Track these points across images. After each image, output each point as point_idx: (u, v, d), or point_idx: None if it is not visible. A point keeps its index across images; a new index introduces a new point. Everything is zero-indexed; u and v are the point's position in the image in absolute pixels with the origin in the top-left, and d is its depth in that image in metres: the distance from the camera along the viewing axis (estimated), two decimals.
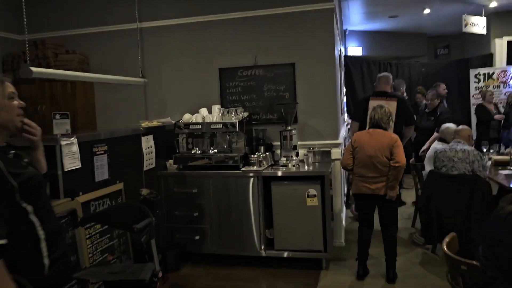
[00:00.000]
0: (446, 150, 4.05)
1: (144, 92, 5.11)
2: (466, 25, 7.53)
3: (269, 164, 4.30)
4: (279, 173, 4.07)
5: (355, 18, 8.64)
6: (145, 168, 4.02)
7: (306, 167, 4.18)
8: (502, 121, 7.02)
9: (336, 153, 4.50)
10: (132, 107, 5.12)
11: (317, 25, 4.50)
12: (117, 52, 5.13)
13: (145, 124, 4.25)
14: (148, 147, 4.10)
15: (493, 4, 7.75)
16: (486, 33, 8.45)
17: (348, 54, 9.23)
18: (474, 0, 7.51)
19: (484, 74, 8.16)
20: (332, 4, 4.45)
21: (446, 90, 6.75)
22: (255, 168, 4.13)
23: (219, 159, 4.22)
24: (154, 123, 4.40)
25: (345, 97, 7.77)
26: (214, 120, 4.33)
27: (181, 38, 4.95)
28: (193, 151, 4.35)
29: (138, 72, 4.94)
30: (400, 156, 3.58)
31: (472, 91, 8.29)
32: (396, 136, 3.70)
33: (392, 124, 4.14)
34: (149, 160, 4.11)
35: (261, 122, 4.65)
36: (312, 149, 4.39)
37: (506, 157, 4.61)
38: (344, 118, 6.73)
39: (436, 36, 11.06)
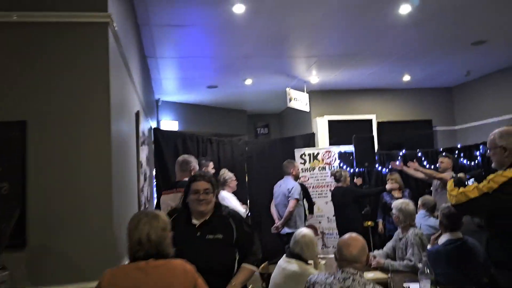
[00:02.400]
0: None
1: None
2: (290, 100, 6.78)
3: None
4: None
5: (169, 86, 7.18)
6: None
7: None
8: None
9: None
10: None
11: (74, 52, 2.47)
12: None
13: None
14: None
15: (315, 80, 7.28)
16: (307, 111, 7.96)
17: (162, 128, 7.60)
18: (296, 74, 6.88)
19: (309, 155, 7.45)
20: (106, 17, 2.51)
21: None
22: None
23: None
24: None
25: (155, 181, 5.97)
26: None
27: None
28: None
29: None
30: None
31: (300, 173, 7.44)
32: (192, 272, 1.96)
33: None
34: None
35: None
36: None
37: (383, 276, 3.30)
38: None
39: (256, 114, 10.48)
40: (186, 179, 3.49)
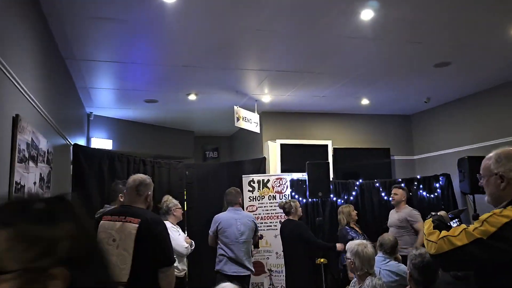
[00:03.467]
0: None
1: None
2: (238, 119, 6.03)
3: None
4: None
5: (102, 98, 6.25)
6: None
7: None
8: None
9: None
10: None
11: None
12: None
13: None
14: None
15: (267, 99, 6.59)
16: (259, 134, 7.24)
17: (91, 146, 6.61)
18: (246, 91, 6.17)
19: (258, 182, 6.68)
20: None
21: None
22: None
23: None
24: None
25: None
26: None
27: None
28: None
29: None
30: None
31: (246, 201, 6.64)
32: None
33: None
34: None
35: None
36: None
37: None
38: None
39: (204, 136, 9.65)
40: (139, 206, 2.91)
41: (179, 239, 4.40)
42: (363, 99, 6.91)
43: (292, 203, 5.22)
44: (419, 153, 8.05)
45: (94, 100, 6.31)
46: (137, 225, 2.77)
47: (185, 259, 4.53)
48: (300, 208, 5.32)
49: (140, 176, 3.05)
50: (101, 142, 7.05)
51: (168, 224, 4.23)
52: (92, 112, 7.00)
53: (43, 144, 3.38)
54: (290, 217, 5.19)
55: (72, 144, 5.14)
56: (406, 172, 7.76)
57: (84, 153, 5.22)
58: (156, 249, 2.74)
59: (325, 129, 7.71)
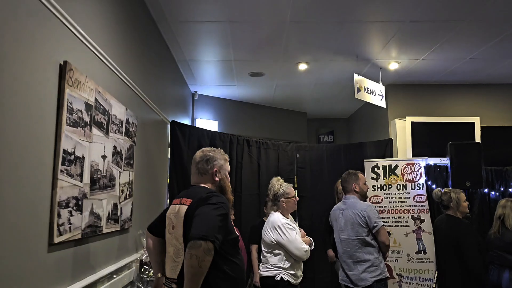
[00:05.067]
0: None
1: None
2: (359, 90, 4.93)
3: None
4: None
5: (204, 71, 5.66)
6: None
7: None
8: None
9: None
10: None
11: None
12: None
13: None
14: None
15: (394, 66, 5.35)
16: (384, 110, 6.05)
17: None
18: (368, 55, 5.03)
19: (384, 168, 5.50)
20: None
21: None
22: None
23: None
24: None
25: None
26: None
27: None
28: None
29: None
30: None
31: (369, 191, 5.51)
32: None
33: None
34: None
35: None
36: None
37: None
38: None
39: (318, 118, 8.66)
40: (204, 185, 2.28)
41: (297, 240, 3.28)
42: None
43: (453, 194, 3.93)
44: None
45: (196, 76, 5.75)
46: (186, 207, 2.12)
47: (301, 263, 3.50)
48: (466, 203, 3.98)
49: (200, 151, 2.37)
50: (207, 123, 6.51)
51: (279, 218, 3.35)
52: (196, 92, 6.50)
53: (119, 111, 2.76)
54: (450, 213, 3.93)
55: (170, 121, 4.61)
56: None
57: (182, 131, 4.65)
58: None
59: (471, 103, 6.15)
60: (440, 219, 3.96)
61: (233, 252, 2.13)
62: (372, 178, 5.56)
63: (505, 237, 3.80)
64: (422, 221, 5.38)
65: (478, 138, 5.84)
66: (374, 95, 5.19)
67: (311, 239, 3.46)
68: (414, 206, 5.36)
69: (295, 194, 3.50)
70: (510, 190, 5.23)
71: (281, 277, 3.23)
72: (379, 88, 5.32)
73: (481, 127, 5.92)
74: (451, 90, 6.18)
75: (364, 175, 5.49)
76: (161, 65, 4.43)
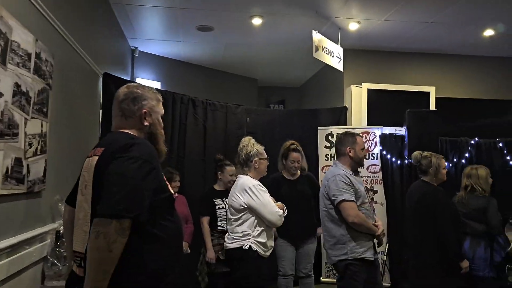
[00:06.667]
0: None
1: None
2: (317, 49, 4.51)
3: None
4: None
5: (145, 22, 4.99)
6: None
7: None
8: None
9: None
10: None
11: None
12: None
13: None
14: None
15: (354, 26, 4.99)
16: (339, 77, 5.72)
17: None
18: (328, 12, 4.61)
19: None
20: None
21: None
22: None
23: None
24: None
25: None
26: None
27: None
28: None
29: None
30: None
31: (322, 160, 5.21)
32: None
33: None
34: None
35: None
36: None
37: None
38: None
39: (269, 86, 8.23)
40: (128, 130, 1.70)
41: (270, 203, 2.89)
42: (486, 29, 5.09)
43: (434, 158, 3.46)
44: None
45: (135, 27, 5.06)
46: (97, 158, 1.60)
47: (273, 232, 3.04)
48: (445, 171, 3.54)
49: (125, 86, 1.79)
50: (148, 83, 5.85)
51: (249, 180, 2.92)
52: (137, 48, 5.80)
53: (24, 39, 2.12)
54: (426, 179, 3.48)
55: (102, 73, 3.96)
56: None
57: (117, 86, 3.99)
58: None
59: (428, 73, 5.96)
60: (415, 185, 3.59)
61: (166, 213, 1.63)
62: (326, 146, 5.25)
63: (470, 204, 3.60)
64: (375, 192, 5.18)
65: (433, 108, 5.67)
66: (332, 57, 4.82)
67: (283, 205, 3.05)
68: (368, 176, 5.13)
69: (267, 158, 3.06)
70: (463, 161, 5.11)
71: (250, 246, 2.81)
72: (338, 50, 4.95)
73: (437, 98, 5.76)
74: (410, 58, 5.96)
75: (318, 143, 5.21)
76: (91, 5, 3.75)
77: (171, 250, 1.62)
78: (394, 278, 4.90)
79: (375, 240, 2.88)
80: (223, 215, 3.68)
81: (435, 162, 3.41)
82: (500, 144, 5.13)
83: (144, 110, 1.72)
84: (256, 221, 2.85)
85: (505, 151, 5.09)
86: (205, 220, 3.69)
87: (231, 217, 2.96)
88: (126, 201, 1.41)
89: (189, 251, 3.81)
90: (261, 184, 2.96)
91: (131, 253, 1.46)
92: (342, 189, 2.79)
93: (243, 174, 3.01)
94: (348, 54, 5.42)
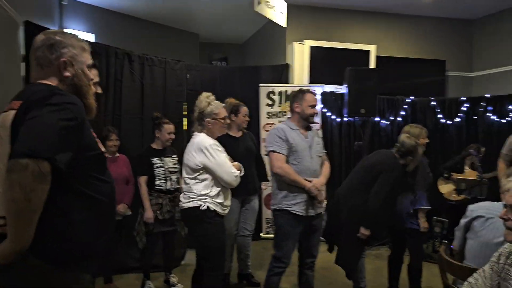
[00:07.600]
0: None
1: None
2: (259, 2, 4.36)
3: None
4: None
5: None
6: None
7: None
8: None
9: None
10: None
11: None
12: None
13: None
14: None
15: None
16: (281, 33, 5.62)
17: None
18: None
19: (280, 93, 5.17)
20: None
21: None
22: None
23: None
24: None
25: None
26: None
27: None
28: None
29: None
30: None
31: (264, 118, 5.19)
32: None
33: None
34: None
35: None
36: None
37: None
38: None
39: (211, 43, 7.97)
40: (46, 81, 1.52)
41: (227, 163, 2.78)
42: None
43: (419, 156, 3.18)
44: (480, 69, 6.40)
45: None
46: (14, 112, 1.42)
47: (230, 191, 2.93)
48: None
49: (43, 33, 1.57)
50: (80, 36, 5.43)
51: (205, 138, 2.79)
52: None
53: None
54: (397, 155, 3.14)
55: (24, 21, 3.57)
56: (463, 92, 6.18)
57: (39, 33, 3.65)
58: None
59: (369, 31, 6.01)
60: (378, 151, 3.33)
61: (96, 172, 1.51)
62: (267, 104, 5.21)
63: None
64: None
65: (373, 67, 5.77)
66: (275, 11, 4.68)
67: (240, 165, 2.96)
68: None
69: (225, 117, 2.92)
70: (398, 119, 5.29)
71: (207, 206, 2.73)
72: (281, 4, 4.82)
73: (377, 56, 5.85)
74: (352, 16, 5.96)
75: (259, 101, 5.15)
76: None
77: (103, 210, 1.52)
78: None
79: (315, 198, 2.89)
80: (161, 175, 3.58)
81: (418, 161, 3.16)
82: (433, 103, 5.36)
83: (63, 59, 1.54)
84: (213, 181, 2.79)
85: (437, 109, 5.33)
86: (143, 180, 3.56)
87: (186, 176, 2.86)
88: (42, 141, 1.27)
89: (130, 212, 3.69)
90: (218, 143, 2.86)
91: (60, 212, 1.36)
92: (274, 141, 2.90)
93: (199, 132, 2.89)
94: (291, 9, 5.31)
